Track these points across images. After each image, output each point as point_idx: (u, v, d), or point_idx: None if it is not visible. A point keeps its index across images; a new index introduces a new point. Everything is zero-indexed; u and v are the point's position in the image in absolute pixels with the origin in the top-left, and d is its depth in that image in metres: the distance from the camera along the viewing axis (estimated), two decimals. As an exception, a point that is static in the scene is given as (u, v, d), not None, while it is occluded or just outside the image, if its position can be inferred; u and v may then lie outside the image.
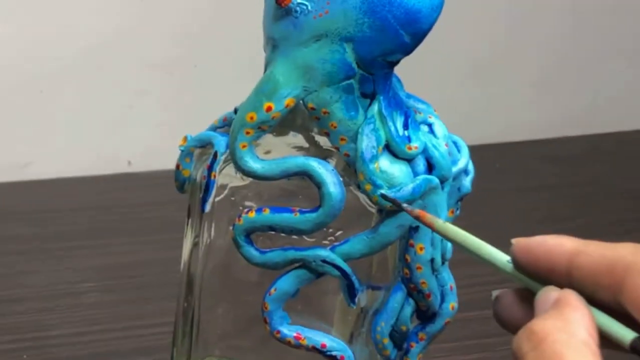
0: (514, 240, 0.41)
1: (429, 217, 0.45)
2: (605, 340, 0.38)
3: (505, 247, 0.99)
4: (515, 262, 0.41)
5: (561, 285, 0.40)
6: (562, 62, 1.23)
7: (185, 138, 0.56)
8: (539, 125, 1.24)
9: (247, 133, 0.50)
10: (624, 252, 0.39)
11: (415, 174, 0.50)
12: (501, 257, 0.42)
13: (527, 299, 0.41)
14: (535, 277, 0.41)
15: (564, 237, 0.40)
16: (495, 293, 0.43)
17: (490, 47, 1.18)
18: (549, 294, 0.39)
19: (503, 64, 1.20)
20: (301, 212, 0.50)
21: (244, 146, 0.50)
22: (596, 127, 1.27)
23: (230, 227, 0.52)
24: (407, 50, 0.49)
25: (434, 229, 0.45)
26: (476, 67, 1.18)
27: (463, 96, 1.18)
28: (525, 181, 1.13)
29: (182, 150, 0.56)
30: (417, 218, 0.46)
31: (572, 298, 0.39)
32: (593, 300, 0.39)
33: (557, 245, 0.40)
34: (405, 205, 0.48)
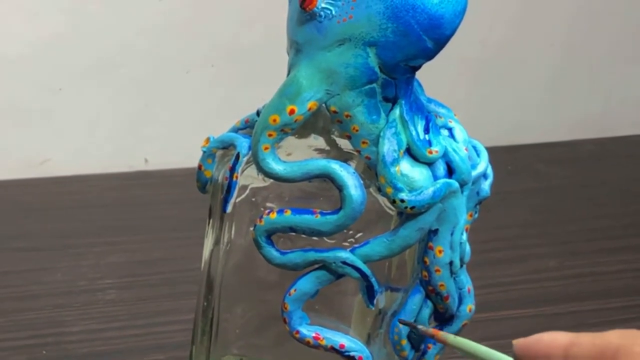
0: (514, 342, 0.45)
1: (441, 334, 0.50)
2: None
3: (516, 249, 1.00)
4: None
5: None
6: (574, 64, 1.23)
7: (208, 139, 0.56)
8: (552, 127, 1.24)
9: (270, 135, 0.50)
10: (612, 337, 0.42)
11: (436, 177, 0.51)
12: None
13: None
14: None
15: (557, 332, 0.44)
16: None
17: (502, 48, 1.18)
18: None
19: (515, 65, 1.20)
20: (322, 213, 0.51)
21: (266, 148, 0.51)
22: (608, 130, 1.27)
23: (251, 228, 0.52)
24: (430, 55, 0.49)
25: (447, 344, 0.49)
26: (488, 69, 1.19)
27: (475, 98, 1.18)
28: (537, 183, 1.13)
29: (205, 151, 0.56)
30: (431, 336, 0.51)
31: None
32: None
33: (552, 341, 0.44)
34: (420, 326, 0.52)
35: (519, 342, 0.45)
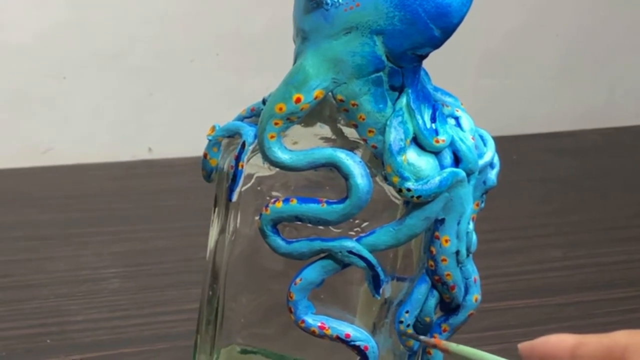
0: (519, 345, 0.45)
1: (443, 343, 0.50)
2: None
3: (521, 239, 0.99)
4: None
5: None
6: (579, 54, 1.23)
7: (213, 128, 0.56)
8: (556, 117, 1.24)
9: (276, 124, 0.50)
10: (619, 336, 0.43)
11: (442, 166, 0.51)
12: None
13: None
14: None
15: (564, 334, 0.44)
16: None
17: (508, 39, 1.18)
18: None
19: (521, 55, 1.20)
20: (328, 203, 0.51)
21: (272, 137, 0.50)
22: (613, 120, 1.27)
23: (257, 217, 0.52)
24: (437, 44, 0.49)
25: (449, 352, 0.49)
26: (494, 59, 1.19)
27: (480, 88, 1.18)
28: (541, 173, 1.13)
29: (210, 140, 0.56)
30: (433, 346, 0.52)
31: None
32: None
33: (559, 342, 0.44)
34: (422, 337, 0.53)
35: (524, 345, 0.45)
